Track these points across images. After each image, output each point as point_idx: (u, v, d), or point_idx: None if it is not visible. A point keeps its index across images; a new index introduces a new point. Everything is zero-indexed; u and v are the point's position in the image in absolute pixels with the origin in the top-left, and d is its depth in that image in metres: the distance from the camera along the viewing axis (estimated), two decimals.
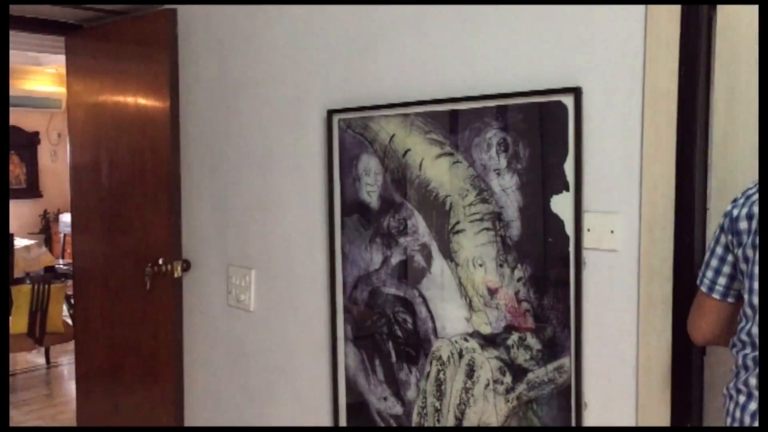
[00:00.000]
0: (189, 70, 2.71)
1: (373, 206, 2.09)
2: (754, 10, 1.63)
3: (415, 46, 1.96)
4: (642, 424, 1.60)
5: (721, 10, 1.52)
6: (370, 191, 2.09)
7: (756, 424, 1.25)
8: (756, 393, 1.26)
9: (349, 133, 2.13)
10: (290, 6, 2.29)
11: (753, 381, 1.26)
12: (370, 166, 2.09)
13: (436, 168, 1.92)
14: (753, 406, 1.26)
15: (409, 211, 2.00)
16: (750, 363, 1.27)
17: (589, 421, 1.69)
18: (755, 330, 1.27)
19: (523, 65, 1.74)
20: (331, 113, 2.16)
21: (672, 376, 1.55)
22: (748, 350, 1.29)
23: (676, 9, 1.51)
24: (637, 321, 1.59)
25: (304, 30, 2.26)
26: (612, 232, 1.62)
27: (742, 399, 1.29)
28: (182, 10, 2.70)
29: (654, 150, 1.54)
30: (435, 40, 1.92)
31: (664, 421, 1.56)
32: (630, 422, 1.62)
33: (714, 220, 1.54)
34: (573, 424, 1.70)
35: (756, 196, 1.31)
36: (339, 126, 2.15)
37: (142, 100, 2.82)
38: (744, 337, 1.30)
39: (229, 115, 2.57)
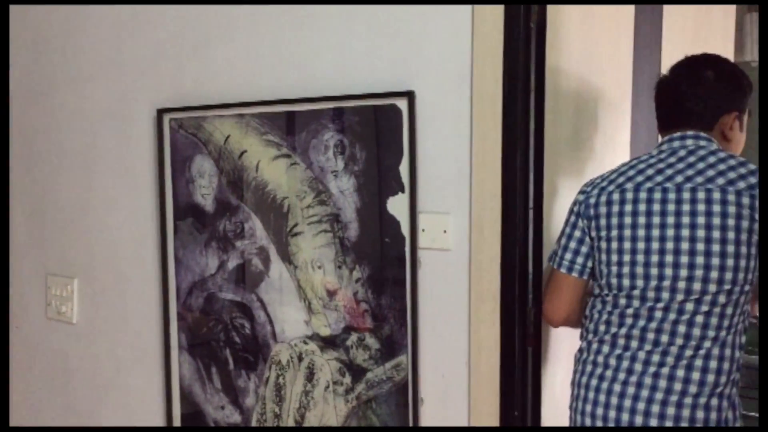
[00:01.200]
0: None
1: (208, 209, 2.02)
2: (577, 9, 1.77)
3: (251, 45, 1.93)
4: (474, 415, 1.67)
5: (549, 10, 1.61)
6: (205, 194, 2.03)
7: (624, 364, 1.46)
8: (621, 341, 1.47)
9: (182, 134, 2.05)
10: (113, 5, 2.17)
11: (623, 331, 1.47)
12: (204, 167, 2.02)
13: (274, 170, 1.90)
14: (618, 351, 1.48)
15: (245, 213, 1.96)
16: (615, 319, 1.49)
17: (425, 416, 1.74)
18: (615, 291, 1.49)
19: (358, 68, 1.76)
20: (161, 112, 2.07)
21: (500, 368, 1.63)
22: (609, 308, 1.50)
23: (500, 12, 1.57)
24: (468, 317, 1.67)
25: (129, 26, 2.15)
26: (445, 231, 1.68)
27: (606, 348, 1.50)
28: None
29: (482, 153, 1.62)
30: (271, 39, 1.89)
31: (494, 411, 1.65)
32: (463, 414, 1.69)
33: (549, 218, 1.65)
34: (410, 420, 1.75)
35: (611, 186, 1.53)
36: (170, 126, 2.06)
37: None
38: (608, 299, 1.51)
39: (46, 113, 2.38)
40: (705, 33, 2.42)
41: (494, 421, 1.64)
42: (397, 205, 1.72)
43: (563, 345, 1.79)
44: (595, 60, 1.89)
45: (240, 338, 2.01)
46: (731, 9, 2.56)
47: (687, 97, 1.55)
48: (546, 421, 1.74)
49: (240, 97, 1.93)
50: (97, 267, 2.30)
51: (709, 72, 1.56)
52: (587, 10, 1.82)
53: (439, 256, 1.69)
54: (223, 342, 2.04)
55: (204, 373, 2.08)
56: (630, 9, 2.03)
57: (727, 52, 2.48)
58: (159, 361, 2.16)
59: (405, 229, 1.72)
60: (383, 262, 1.76)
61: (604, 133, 1.95)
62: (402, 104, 1.69)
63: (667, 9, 2.19)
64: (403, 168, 1.70)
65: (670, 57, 2.16)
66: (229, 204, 1.98)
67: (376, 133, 1.74)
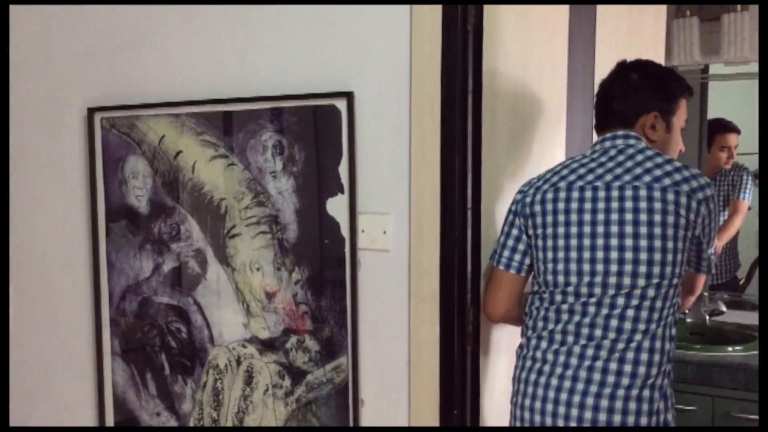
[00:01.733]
0: None
1: (142, 211, 1.97)
2: (513, 11, 1.79)
3: (187, 43, 1.89)
4: (414, 414, 1.68)
5: (486, 11, 1.63)
6: (139, 195, 1.97)
7: (560, 359, 1.51)
8: (558, 337, 1.53)
9: (114, 133, 1.99)
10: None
11: (559, 326, 1.53)
12: (138, 168, 1.97)
13: (211, 170, 1.86)
14: (555, 346, 1.53)
15: (182, 215, 1.92)
16: (552, 315, 1.54)
17: (365, 417, 1.74)
18: (551, 288, 1.55)
19: (297, 68, 1.75)
20: (92, 111, 2.00)
21: (440, 368, 1.64)
22: (547, 304, 1.55)
23: (438, 12, 1.57)
24: (408, 317, 1.67)
25: (59, 23, 2.07)
26: (384, 232, 1.68)
27: (544, 344, 1.54)
28: None
29: (421, 154, 1.62)
30: (207, 38, 1.86)
31: (434, 410, 1.65)
32: (403, 414, 1.70)
33: (491, 219, 1.67)
34: (351, 421, 1.74)
35: (545, 186, 1.58)
36: (102, 125, 2.00)
37: None
38: (545, 295, 1.55)
39: None
40: (636, 37, 2.49)
41: (434, 421, 1.65)
42: (336, 206, 1.71)
43: (505, 342, 1.81)
44: (531, 62, 1.92)
45: (176, 343, 1.96)
46: (662, 14, 2.65)
47: (615, 98, 1.62)
48: (489, 416, 1.77)
49: (175, 97, 1.89)
50: (25, 271, 2.21)
51: (634, 74, 1.63)
52: (523, 12, 1.84)
53: (378, 256, 1.69)
54: (158, 347, 1.99)
55: (138, 379, 2.02)
56: (564, 13, 2.07)
57: (658, 56, 2.56)
58: (91, 368, 2.09)
59: (344, 230, 1.71)
60: (323, 263, 1.75)
61: (540, 134, 1.98)
62: (341, 105, 1.68)
63: (600, 13, 2.24)
64: (343, 169, 1.70)
65: (603, 60, 2.21)
66: (165, 206, 1.94)
67: (315, 133, 1.73)
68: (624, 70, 1.65)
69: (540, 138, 2.00)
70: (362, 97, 1.67)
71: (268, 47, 1.78)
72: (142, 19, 1.95)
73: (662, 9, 2.62)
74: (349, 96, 1.67)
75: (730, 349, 2.43)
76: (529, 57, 1.92)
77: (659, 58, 2.54)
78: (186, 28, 1.89)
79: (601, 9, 2.25)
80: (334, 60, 1.71)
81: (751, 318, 2.75)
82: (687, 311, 2.72)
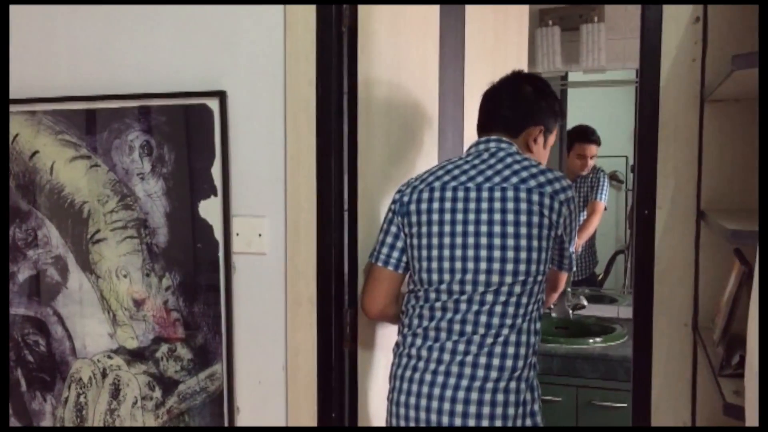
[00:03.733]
0: None
1: None
2: (387, 15, 1.81)
3: (44, 37, 1.77)
4: (292, 420, 1.66)
5: (361, 10, 1.63)
6: None
7: (434, 355, 1.55)
8: (431, 333, 1.56)
9: None
10: None
11: (433, 323, 1.56)
12: None
13: (71, 172, 1.75)
14: (429, 342, 1.56)
15: (39, 220, 1.79)
16: (426, 312, 1.58)
17: (242, 425, 1.70)
18: (426, 286, 1.58)
19: (167, 65, 1.68)
20: None
21: (318, 371, 1.63)
22: (422, 302, 1.58)
23: (312, 12, 1.57)
24: (285, 321, 1.65)
25: None
26: (260, 235, 1.64)
27: (419, 341, 1.57)
28: None
29: (297, 156, 1.60)
30: (67, 32, 1.75)
31: (312, 415, 1.64)
32: (281, 420, 1.67)
33: (362, 220, 1.68)
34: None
35: (422, 186, 1.61)
36: None
37: None
38: (420, 294, 1.59)
39: None
40: (503, 44, 2.59)
41: (312, 425, 1.63)
42: (209, 209, 1.66)
43: (387, 341, 1.82)
44: (405, 65, 1.95)
45: (34, 357, 1.83)
46: (525, 22, 2.77)
47: (504, 104, 1.69)
48: (373, 415, 1.77)
49: (30, 93, 1.77)
50: None
51: (529, 87, 1.72)
52: (396, 14, 1.87)
53: (254, 260, 1.66)
54: (13, 362, 1.84)
55: None
56: (435, 17, 2.12)
57: (522, 62, 2.68)
58: None
59: (218, 234, 1.66)
60: (195, 268, 1.69)
61: (417, 135, 2.02)
62: (213, 104, 1.63)
63: (469, 21, 2.32)
64: (216, 170, 1.65)
65: (472, 67, 2.28)
66: (19, 210, 1.80)
67: (186, 133, 1.67)
68: (518, 79, 1.74)
69: (417, 139, 2.03)
70: (236, 96, 1.63)
71: (136, 44, 1.70)
72: None
73: (524, 16, 2.74)
74: (221, 95, 1.63)
75: (591, 341, 2.58)
76: (404, 59, 1.95)
77: (523, 65, 2.65)
78: (45, 22, 1.77)
79: (469, 16, 2.32)
80: (206, 58, 1.65)
81: (609, 311, 2.94)
82: (552, 306, 2.85)
